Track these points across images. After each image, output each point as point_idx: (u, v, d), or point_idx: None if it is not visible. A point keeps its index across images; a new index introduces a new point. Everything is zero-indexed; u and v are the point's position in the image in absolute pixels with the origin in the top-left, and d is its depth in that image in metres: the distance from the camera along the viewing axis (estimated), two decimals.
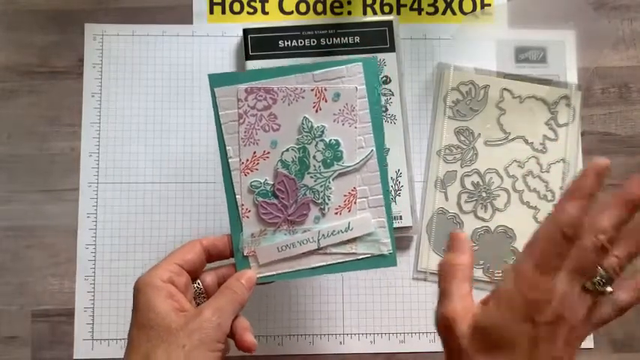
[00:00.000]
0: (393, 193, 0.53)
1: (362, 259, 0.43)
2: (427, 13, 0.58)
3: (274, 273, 0.42)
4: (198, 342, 0.36)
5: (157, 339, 0.36)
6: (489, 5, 0.58)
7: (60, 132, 0.55)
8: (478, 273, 0.54)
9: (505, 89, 0.56)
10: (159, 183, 0.55)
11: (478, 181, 0.56)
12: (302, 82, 0.42)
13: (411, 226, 0.53)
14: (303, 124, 0.42)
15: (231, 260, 0.43)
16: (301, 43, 0.54)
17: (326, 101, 0.42)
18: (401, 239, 0.54)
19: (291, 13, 0.57)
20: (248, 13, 0.57)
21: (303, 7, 0.58)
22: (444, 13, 0.58)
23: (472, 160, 0.56)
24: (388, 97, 0.54)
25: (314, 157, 0.42)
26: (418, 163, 0.56)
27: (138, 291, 0.38)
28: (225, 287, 0.40)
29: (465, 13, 0.58)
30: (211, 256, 0.42)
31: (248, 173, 0.42)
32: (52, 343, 0.53)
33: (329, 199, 0.43)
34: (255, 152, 0.42)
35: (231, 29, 0.57)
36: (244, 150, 0.42)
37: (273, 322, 0.54)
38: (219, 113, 0.42)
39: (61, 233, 0.54)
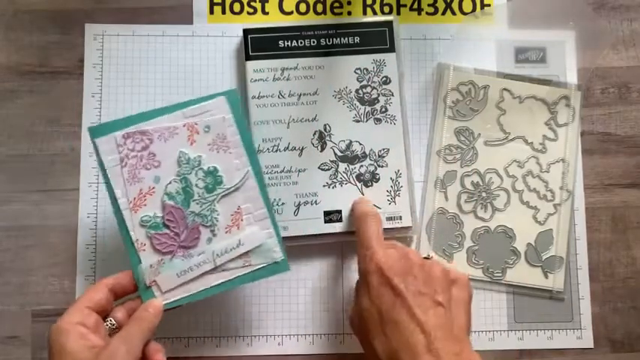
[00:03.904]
0: (392, 193, 0.53)
1: (258, 269, 0.46)
2: (427, 14, 0.58)
3: (179, 297, 0.46)
4: None
5: None
6: (489, 5, 0.58)
7: (60, 132, 0.55)
8: (478, 273, 0.55)
9: (505, 89, 0.56)
10: None
11: (478, 181, 0.56)
12: (174, 121, 0.46)
13: (410, 227, 0.53)
14: (180, 157, 0.46)
15: (138, 293, 0.45)
16: (301, 43, 0.54)
17: (198, 133, 0.46)
18: (401, 239, 0.54)
19: (291, 13, 0.57)
20: (248, 13, 0.57)
21: (303, 7, 0.58)
22: (443, 13, 0.58)
23: (472, 160, 0.56)
24: (388, 98, 0.54)
25: (196, 185, 0.46)
26: (418, 163, 0.56)
27: (50, 337, 0.41)
28: (132, 318, 0.43)
29: (464, 13, 0.58)
30: (117, 293, 0.45)
31: (137, 210, 0.46)
32: None
33: (217, 220, 0.46)
34: (141, 189, 0.46)
35: (231, 29, 0.57)
36: (130, 189, 0.46)
37: (274, 322, 0.54)
38: (102, 160, 0.45)
39: (61, 233, 0.54)
